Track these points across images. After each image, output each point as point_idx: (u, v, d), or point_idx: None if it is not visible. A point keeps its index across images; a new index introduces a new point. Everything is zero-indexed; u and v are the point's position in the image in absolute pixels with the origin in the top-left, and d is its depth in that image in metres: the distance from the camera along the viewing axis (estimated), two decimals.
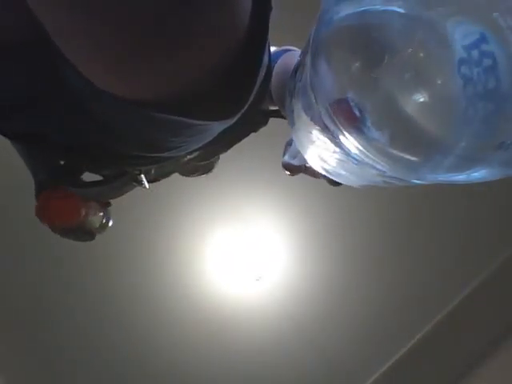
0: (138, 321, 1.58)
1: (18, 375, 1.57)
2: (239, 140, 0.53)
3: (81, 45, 0.23)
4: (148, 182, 0.54)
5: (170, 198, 1.40)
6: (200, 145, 0.36)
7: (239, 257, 1.60)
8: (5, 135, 0.44)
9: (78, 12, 0.21)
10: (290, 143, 0.51)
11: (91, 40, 0.22)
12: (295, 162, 0.49)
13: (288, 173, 0.50)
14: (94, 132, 0.35)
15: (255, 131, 0.54)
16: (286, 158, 0.50)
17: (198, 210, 1.54)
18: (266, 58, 0.31)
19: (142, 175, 0.52)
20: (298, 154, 0.48)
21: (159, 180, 0.59)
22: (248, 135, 0.53)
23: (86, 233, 0.60)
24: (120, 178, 0.52)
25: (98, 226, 0.60)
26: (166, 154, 0.36)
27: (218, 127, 0.32)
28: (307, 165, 0.46)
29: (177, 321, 1.60)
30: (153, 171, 0.54)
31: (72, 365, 1.60)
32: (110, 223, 0.64)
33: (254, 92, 0.31)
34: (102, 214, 0.60)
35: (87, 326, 1.58)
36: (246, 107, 0.31)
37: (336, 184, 0.45)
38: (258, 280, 1.59)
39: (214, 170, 0.63)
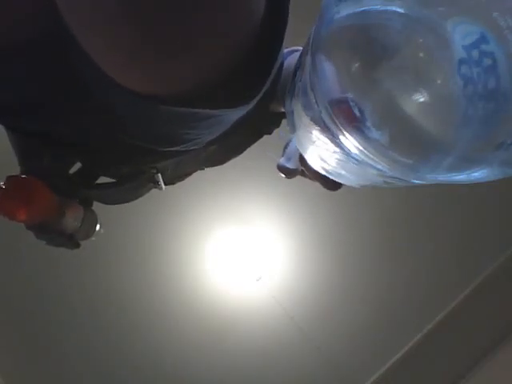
0: (138, 320, 1.58)
1: (18, 375, 1.57)
2: (253, 142, 0.53)
3: (103, 37, 0.23)
4: (164, 184, 0.53)
5: (170, 198, 1.40)
6: (215, 136, 0.36)
7: (239, 257, 1.60)
8: (18, 132, 0.44)
9: (97, 13, 0.22)
10: (286, 146, 0.51)
11: (113, 32, 0.23)
12: (290, 165, 0.48)
13: (283, 175, 0.50)
14: (110, 127, 0.35)
15: (269, 133, 0.54)
16: (282, 161, 0.49)
17: (198, 209, 1.54)
18: (282, 49, 0.31)
19: (159, 174, 0.51)
20: (293, 156, 0.47)
21: (174, 183, 0.58)
22: (261, 137, 0.53)
23: (61, 235, 0.52)
24: (136, 179, 0.51)
25: (74, 229, 0.53)
26: (181, 148, 0.36)
27: (231, 116, 0.32)
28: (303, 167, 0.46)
29: (177, 320, 1.60)
30: (169, 171, 0.53)
31: (72, 365, 1.60)
32: (97, 228, 0.58)
33: (269, 80, 0.31)
34: (81, 217, 0.53)
35: (87, 325, 1.58)
36: (260, 94, 0.31)
37: (332, 188, 0.44)
38: (258, 280, 1.59)
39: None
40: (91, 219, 0.56)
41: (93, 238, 0.60)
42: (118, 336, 1.59)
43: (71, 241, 0.54)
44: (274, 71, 0.31)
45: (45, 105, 0.35)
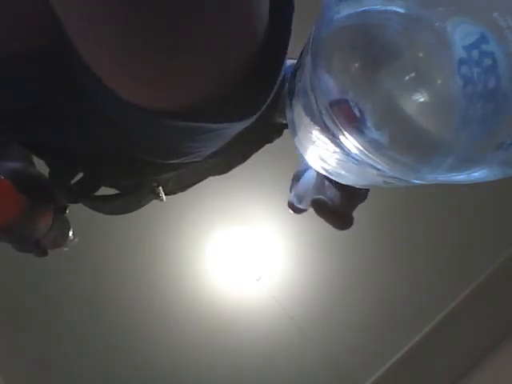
0: (138, 320, 1.58)
1: (18, 375, 1.57)
2: (255, 151, 0.53)
3: (102, 37, 0.23)
4: (165, 194, 0.53)
5: (170, 199, 1.40)
6: (216, 149, 0.36)
7: (239, 257, 1.60)
8: (20, 143, 0.44)
9: (97, 13, 0.21)
10: (297, 178, 0.50)
11: (112, 32, 0.22)
12: (302, 206, 0.48)
13: (292, 212, 0.50)
14: (110, 139, 0.35)
15: (270, 142, 0.54)
16: (292, 199, 0.49)
17: (198, 210, 1.54)
18: (285, 61, 0.31)
19: (160, 187, 0.51)
20: (304, 197, 0.47)
21: (176, 193, 0.58)
22: (263, 146, 0.53)
23: (25, 240, 0.48)
24: (137, 191, 0.51)
25: (40, 235, 0.49)
26: (182, 160, 0.36)
27: (234, 129, 0.32)
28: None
29: (177, 321, 1.60)
30: (170, 183, 0.53)
31: (72, 365, 1.60)
32: (70, 237, 0.54)
33: (272, 93, 0.31)
34: (50, 223, 0.49)
35: (87, 326, 1.58)
36: (263, 108, 0.31)
37: (342, 227, 0.45)
38: (258, 280, 1.59)
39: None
40: (62, 227, 0.52)
41: (65, 248, 0.56)
42: (118, 336, 1.59)
43: (37, 248, 0.51)
44: (278, 83, 0.31)
45: (45, 105, 0.35)
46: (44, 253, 0.53)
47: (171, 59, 0.24)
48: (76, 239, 0.57)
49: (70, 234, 0.55)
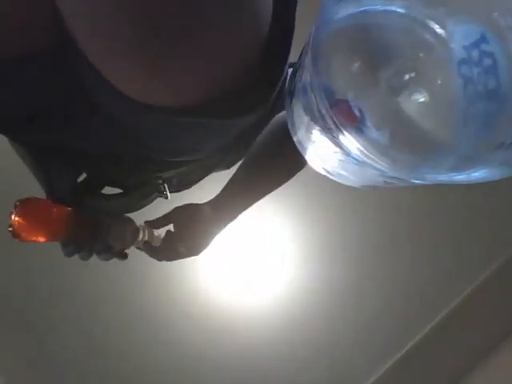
0: (141, 321, 1.58)
1: (18, 375, 1.57)
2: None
3: (103, 36, 0.23)
4: (170, 191, 0.53)
5: (169, 203, 1.40)
6: (218, 146, 0.36)
7: (242, 257, 1.60)
8: (26, 145, 0.44)
9: (104, 12, 0.21)
10: None
11: (113, 31, 0.22)
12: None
13: None
14: (111, 139, 0.35)
15: None
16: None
17: None
18: (287, 64, 0.31)
19: (165, 184, 0.51)
20: None
21: (181, 190, 0.58)
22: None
23: (97, 248, 0.51)
24: (141, 189, 0.51)
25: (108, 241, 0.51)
26: (186, 158, 0.36)
27: (236, 126, 0.32)
28: None
29: (179, 322, 1.60)
30: (174, 180, 0.53)
31: (72, 365, 1.60)
32: (139, 237, 0.55)
33: (275, 92, 0.31)
34: (90, 227, 0.50)
35: (87, 327, 1.58)
36: (267, 105, 0.31)
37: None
38: (257, 281, 1.59)
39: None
40: (121, 227, 0.54)
41: (155, 244, 0.58)
42: (119, 336, 1.59)
43: (111, 252, 0.52)
44: (279, 84, 0.31)
45: (45, 105, 0.35)
46: (123, 255, 0.55)
47: (172, 56, 0.24)
48: (155, 235, 0.58)
49: (139, 234, 0.55)
